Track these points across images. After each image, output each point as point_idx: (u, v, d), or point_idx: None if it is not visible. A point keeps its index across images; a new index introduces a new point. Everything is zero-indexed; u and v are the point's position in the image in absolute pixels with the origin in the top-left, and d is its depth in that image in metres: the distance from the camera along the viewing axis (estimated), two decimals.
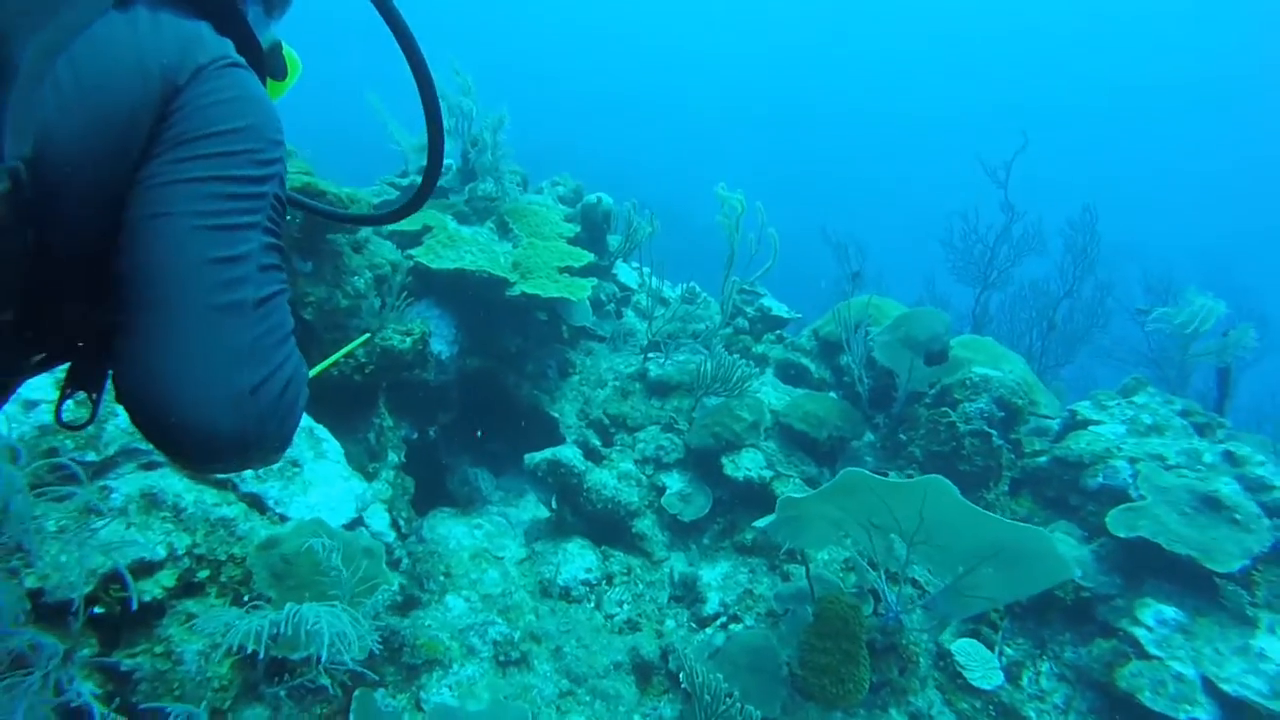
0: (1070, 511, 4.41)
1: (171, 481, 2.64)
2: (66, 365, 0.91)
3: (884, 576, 3.46)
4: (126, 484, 2.56)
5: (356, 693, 2.95)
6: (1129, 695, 3.41)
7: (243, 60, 0.90)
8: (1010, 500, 4.52)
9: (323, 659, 2.37)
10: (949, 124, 41.63)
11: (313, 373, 1.16)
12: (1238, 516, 3.82)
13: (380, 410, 4.14)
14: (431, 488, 4.59)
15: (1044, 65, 43.03)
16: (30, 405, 2.51)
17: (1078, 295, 8.60)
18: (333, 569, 2.66)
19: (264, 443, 0.78)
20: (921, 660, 3.66)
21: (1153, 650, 3.53)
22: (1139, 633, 3.62)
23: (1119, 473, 4.27)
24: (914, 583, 3.97)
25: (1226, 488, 3.96)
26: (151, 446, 0.83)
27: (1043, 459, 4.64)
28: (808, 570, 3.81)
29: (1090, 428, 4.70)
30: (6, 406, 2.49)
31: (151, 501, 2.55)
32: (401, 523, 3.87)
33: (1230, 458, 4.27)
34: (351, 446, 3.86)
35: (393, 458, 4.08)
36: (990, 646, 3.82)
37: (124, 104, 0.75)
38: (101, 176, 0.75)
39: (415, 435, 4.57)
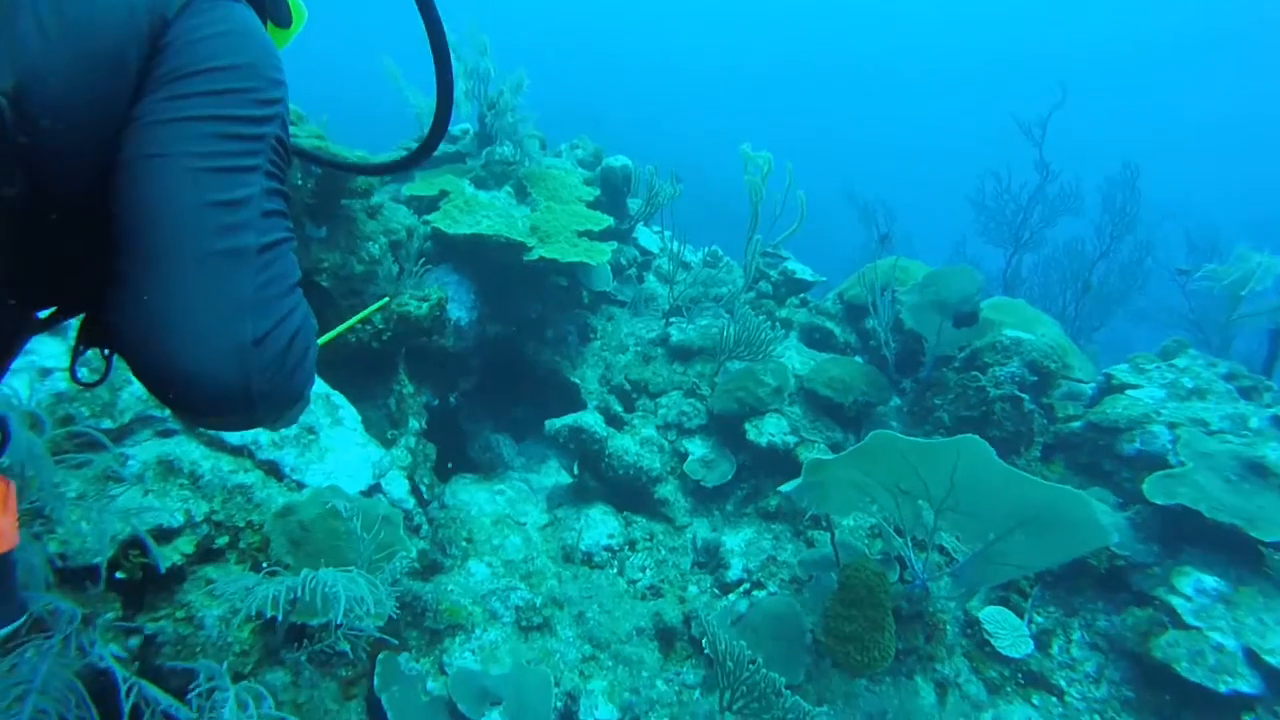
0: (1104, 478, 4.28)
1: (188, 449, 2.63)
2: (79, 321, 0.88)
3: (910, 543, 3.38)
4: (143, 451, 2.55)
5: (381, 655, 2.96)
6: (1164, 665, 3.32)
7: None
8: (1042, 466, 4.40)
9: (339, 623, 2.37)
10: (981, 80, 40.33)
11: (326, 338, 1.13)
12: None
13: (400, 377, 4.12)
14: (453, 454, 4.58)
15: (1080, 16, 41.31)
16: (45, 373, 2.50)
17: (1114, 256, 8.33)
18: (350, 534, 2.65)
19: (272, 397, 0.74)
20: (948, 628, 3.59)
21: (1191, 620, 3.42)
22: (1176, 602, 3.51)
23: (1157, 438, 4.12)
24: (941, 549, 3.89)
25: (1275, 454, 3.80)
26: (167, 413, 0.79)
27: (1076, 424, 4.50)
28: (832, 536, 3.74)
29: (1127, 392, 4.54)
30: (23, 374, 2.49)
31: (169, 469, 2.54)
32: (423, 489, 3.87)
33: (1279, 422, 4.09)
34: (372, 413, 3.84)
35: (414, 424, 4.06)
36: (1020, 614, 3.74)
37: (110, 41, 0.71)
38: (93, 117, 0.71)
39: (436, 402, 4.55)
